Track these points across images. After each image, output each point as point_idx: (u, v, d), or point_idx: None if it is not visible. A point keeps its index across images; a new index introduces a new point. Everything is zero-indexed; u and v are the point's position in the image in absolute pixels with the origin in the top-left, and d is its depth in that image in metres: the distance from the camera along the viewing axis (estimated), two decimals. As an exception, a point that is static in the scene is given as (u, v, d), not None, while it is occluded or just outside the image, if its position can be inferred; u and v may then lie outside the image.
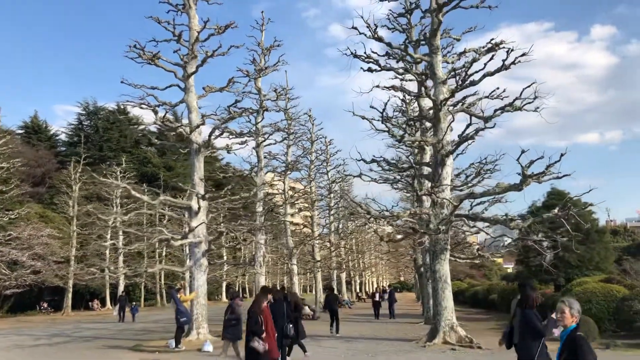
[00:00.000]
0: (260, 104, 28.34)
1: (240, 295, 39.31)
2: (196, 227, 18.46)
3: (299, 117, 36.16)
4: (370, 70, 20.29)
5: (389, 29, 23.66)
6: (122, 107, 69.29)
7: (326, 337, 20.64)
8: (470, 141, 17.61)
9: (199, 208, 19.70)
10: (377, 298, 32.89)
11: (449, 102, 18.70)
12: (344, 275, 52.39)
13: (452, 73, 19.41)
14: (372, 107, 18.50)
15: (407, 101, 28.47)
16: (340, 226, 50.87)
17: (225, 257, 56.49)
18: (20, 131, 62.37)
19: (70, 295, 44.17)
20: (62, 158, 62.48)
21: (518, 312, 7.74)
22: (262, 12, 29.80)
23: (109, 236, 47.83)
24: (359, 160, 20.25)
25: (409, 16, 23.25)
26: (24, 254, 37.90)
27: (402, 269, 72.91)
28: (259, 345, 9.33)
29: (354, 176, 19.52)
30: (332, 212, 46.94)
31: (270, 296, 11.21)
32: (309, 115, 40.49)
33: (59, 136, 69.41)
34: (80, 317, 39.31)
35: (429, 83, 20.38)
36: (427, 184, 22.73)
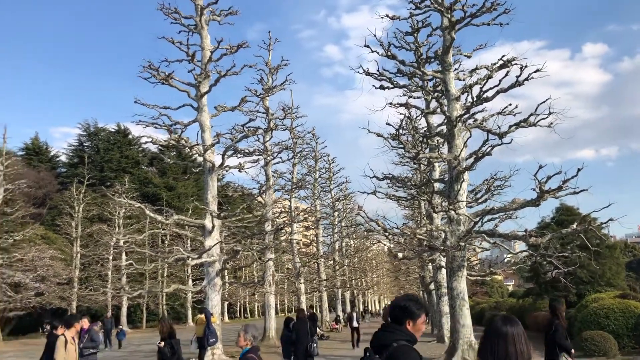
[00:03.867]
0: (268, 122, 28.38)
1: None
2: (213, 246, 18.33)
3: (304, 135, 36.22)
4: (382, 87, 20.43)
5: (395, 47, 23.91)
6: (122, 127, 69.67)
7: (340, 356, 20.45)
8: (487, 156, 17.61)
9: (213, 227, 19.62)
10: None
11: (462, 119, 18.79)
12: (348, 294, 52.05)
13: (465, 89, 19.54)
14: (388, 124, 18.56)
15: (413, 118, 28.65)
16: (344, 245, 50.69)
17: (227, 277, 56.11)
18: (21, 153, 62.24)
19: (73, 317, 43.59)
20: (62, 179, 62.37)
21: None
22: (269, 32, 30.01)
23: (111, 257, 47.47)
24: (372, 177, 20.25)
25: (416, 34, 23.47)
26: (28, 276, 37.63)
27: (407, 287, 72.47)
28: None
29: (368, 193, 19.45)
30: (335, 231, 46.83)
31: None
32: (313, 134, 40.58)
33: (59, 157, 69.35)
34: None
35: (440, 100, 20.51)
36: (438, 201, 22.76)
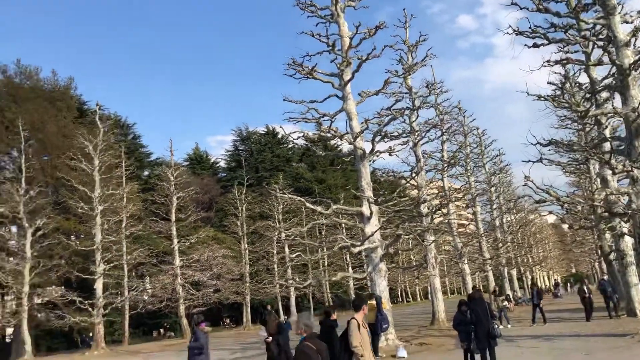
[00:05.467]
0: (413, 102, 27.72)
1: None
2: (375, 232, 18.26)
3: (451, 110, 34.88)
4: (535, 45, 18.80)
5: (542, 0, 21.91)
6: (271, 128, 73.14)
7: (522, 336, 19.29)
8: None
9: (371, 213, 19.53)
10: (586, 293, 24.69)
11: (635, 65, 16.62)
12: (514, 272, 49.46)
13: (634, 33, 17.27)
14: (550, 82, 17.05)
15: (570, 76, 26.18)
16: (504, 221, 48.19)
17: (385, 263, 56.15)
18: (185, 163, 68.05)
19: (248, 310, 46.74)
20: (224, 183, 67.09)
21: None
22: (404, 9, 29.28)
23: (275, 251, 49.95)
24: (536, 144, 18.80)
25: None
26: (205, 275, 41.00)
27: (580, 259, 67.19)
28: None
29: (534, 161, 18.04)
30: (494, 207, 44.69)
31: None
32: (459, 108, 38.99)
33: (219, 163, 74.72)
34: (256, 331, 41.28)
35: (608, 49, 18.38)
36: (615, 162, 20.47)
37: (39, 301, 40.57)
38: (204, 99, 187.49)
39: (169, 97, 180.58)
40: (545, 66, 19.78)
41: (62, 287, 40.59)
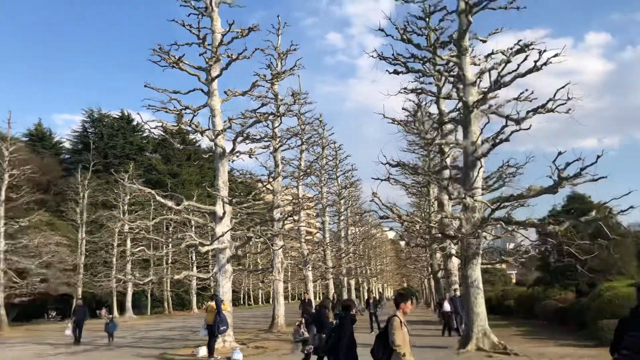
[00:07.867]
0: (277, 108, 28.05)
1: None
2: (225, 232, 18.08)
3: (312, 122, 35.88)
4: (396, 72, 20.06)
5: (407, 31, 23.47)
6: (126, 113, 69.30)
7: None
8: (504, 143, 17.30)
9: (224, 213, 19.35)
10: (447, 308, 23.39)
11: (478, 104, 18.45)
12: (353, 282, 52.01)
13: (480, 74, 19.18)
14: (404, 109, 18.24)
15: (422, 106, 28.32)
16: (349, 232, 50.57)
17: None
18: (24, 139, 61.92)
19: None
20: (66, 165, 62.13)
21: None
22: (278, 16, 29.61)
23: (116, 243, 47.34)
24: (385, 164, 20.00)
25: (428, 19, 23.02)
26: (33, 262, 37.51)
27: (412, 275, 72.44)
28: None
29: (382, 179, 19.14)
30: (341, 218, 46.68)
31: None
32: (320, 120, 40.26)
33: (63, 144, 69.14)
34: (90, 325, 38.59)
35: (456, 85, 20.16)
36: (452, 188, 22.45)
37: None
38: (52, 71, 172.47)
39: (14, 63, 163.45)
40: (401, 92, 21.22)
41: None
